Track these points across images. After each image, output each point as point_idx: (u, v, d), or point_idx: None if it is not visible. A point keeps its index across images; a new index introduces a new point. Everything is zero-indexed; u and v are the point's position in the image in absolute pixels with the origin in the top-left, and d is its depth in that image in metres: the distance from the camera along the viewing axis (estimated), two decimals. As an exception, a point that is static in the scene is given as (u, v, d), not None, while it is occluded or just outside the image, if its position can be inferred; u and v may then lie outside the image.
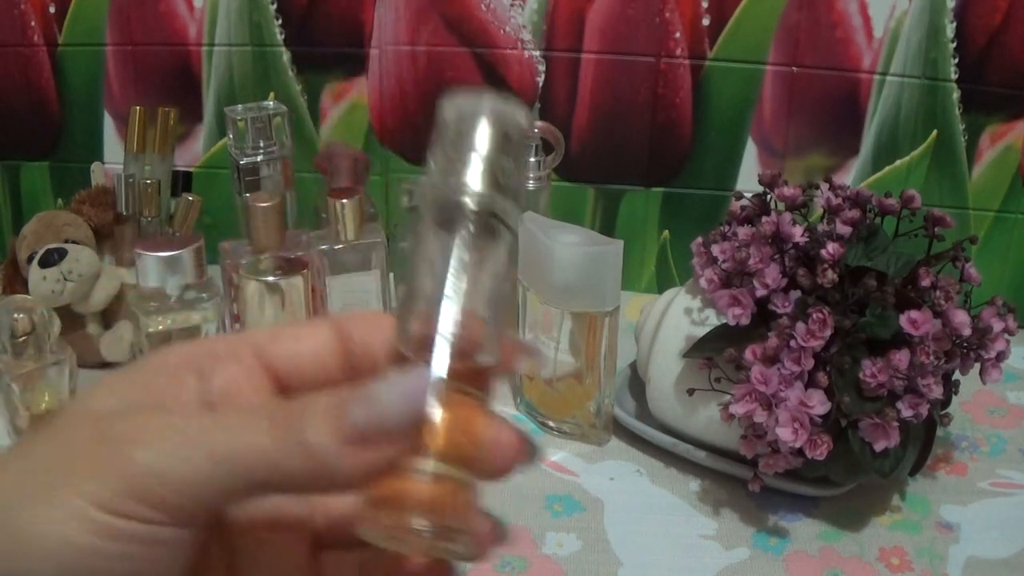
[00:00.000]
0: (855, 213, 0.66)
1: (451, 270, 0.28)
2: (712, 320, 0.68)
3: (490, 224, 0.28)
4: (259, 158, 0.82)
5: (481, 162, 0.29)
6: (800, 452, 0.60)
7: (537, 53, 0.91)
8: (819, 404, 0.59)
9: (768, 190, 0.70)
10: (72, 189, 0.87)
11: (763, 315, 0.63)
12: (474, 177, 0.28)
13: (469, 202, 0.28)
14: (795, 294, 0.63)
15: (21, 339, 0.68)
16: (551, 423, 0.75)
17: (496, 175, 0.29)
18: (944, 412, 0.67)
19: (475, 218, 0.28)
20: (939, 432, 0.68)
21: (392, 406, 0.26)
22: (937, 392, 0.60)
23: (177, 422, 0.26)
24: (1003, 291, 0.89)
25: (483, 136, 0.29)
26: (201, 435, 0.26)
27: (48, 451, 0.26)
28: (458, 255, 0.28)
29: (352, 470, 0.25)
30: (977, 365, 0.66)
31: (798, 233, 0.64)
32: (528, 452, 0.28)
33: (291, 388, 0.30)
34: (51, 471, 0.25)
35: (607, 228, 0.96)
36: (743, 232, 0.66)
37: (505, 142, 0.29)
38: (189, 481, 0.25)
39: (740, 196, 0.72)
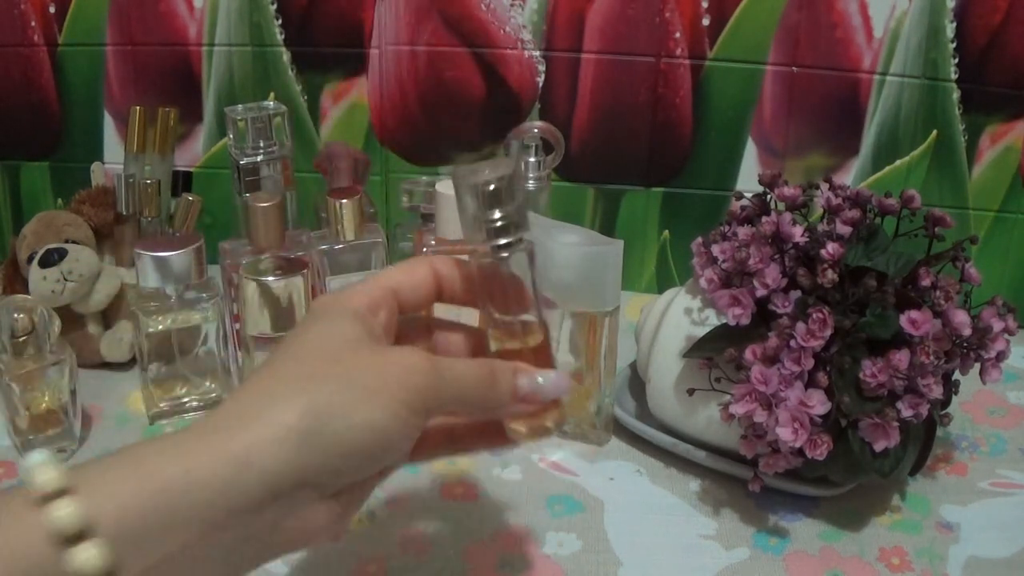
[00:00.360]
0: (855, 213, 0.66)
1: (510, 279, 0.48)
2: (712, 320, 0.68)
3: (516, 245, 0.47)
4: (259, 158, 0.82)
5: (499, 217, 0.46)
6: (800, 452, 0.60)
7: (537, 53, 0.91)
8: (819, 404, 0.59)
9: (768, 190, 0.70)
10: (72, 189, 0.87)
11: (763, 315, 0.63)
12: (498, 229, 0.47)
13: (502, 244, 0.47)
14: (795, 294, 0.63)
15: (21, 339, 0.68)
16: (551, 423, 0.75)
17: (510, 219, 0.46)
18: (944, 412, 0.67)
19: (508, 252, 0.47)
20: (939, 432, 0.68)
21: (546, 389, 0.48)
22: (937, 392, 0.60)
23: (436, 360, 0.44)
24: (1003, 291, 0.89)
25: (490, 197, 0.46)
26: (453, 372, 0.45)
27: (362, 373, 0.42)
28: (511, 271, 0.48)
29: (511, 411, 0.48)
30: (977, 365, 0.66)
31: (798, 233, 0.64)
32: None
33: (405, 309, 0.48)
34: (364, 392, 0.42)
35: (607, 228, 0.96)
36: (743, 232, 0.66)
37: (506, 192, 0.46)
38: (442, 398, 0.44)
39: (740, 196, 0.72)
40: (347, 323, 0.44)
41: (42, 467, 0.37)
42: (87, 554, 0.36)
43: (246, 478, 0.39)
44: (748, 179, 0.91)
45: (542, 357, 0.49)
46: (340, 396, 0.41)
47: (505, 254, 0.47)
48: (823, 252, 0.62)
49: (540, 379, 0.47)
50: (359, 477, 0.43)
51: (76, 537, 0.36)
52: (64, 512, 0.36)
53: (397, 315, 0.47)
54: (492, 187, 0.46)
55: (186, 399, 0.77)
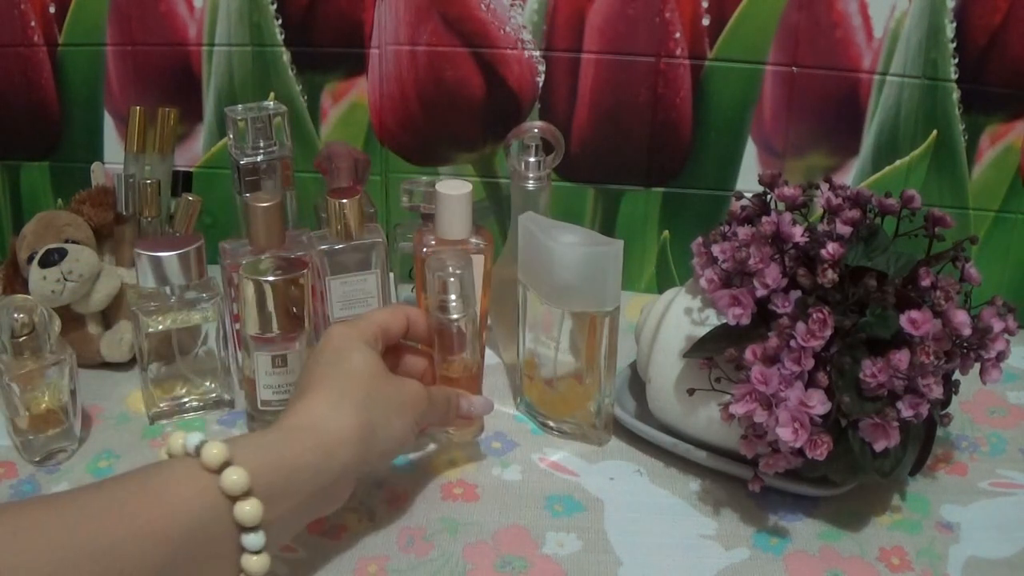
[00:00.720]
0: (855, 213, 0.66)
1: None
2: (712, 320, 0.68)
3: (462, 317, 0.68)
4: (259, 158, 0.82)
5: (452, 299, 0.68)
6: (800, 452, 0.60)
7: (537, 53, 0.91)
8: (819, 404, 0.59)
9: (768, 190, 0.70)
10: (72, 189, 0.87)
11: (763, 315, 0.63)
12: (451, 308, 0.68)
13: (458, 318, 0.68)
14: (795, 294, 0.63)
15: (21, 339, 0.68)
16: (551, 423, 0.75)
17: (460, 300, 0.68)
18: (944, 412, 0.67)
19: (456, 322, 0.68)
20: (939, 432, 0.68)
21: (480, 408, 0.70)
22: (937, 392, 0.60)
23: (428, 389, 0.65)
24: (1003, 291, 0.89)
25: (449, 286, 0.68)
26: (434, 397, 0.65)
27: (393, 396, 0.62)
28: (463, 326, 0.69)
29: (456, 422, 0.70)
30: (977, 365, 0.66)
31: (798, 233, 0.64)
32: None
33: (386, 343, 0.66)
34: (395, 410, 0.62)
35: (607, 228, 0.96)
36: (743, 232, 0.66)
37: (459, 282, 0.67)
38: (429, 414, 0.65)
39: (740, 196, 0.72)
40: (371, 355, 0.62)
41: (209, 444, 0.52)
42: (251, 506, 0.51)
43: (329, 465, 0.56)
44: (748, 179, 0.91)
45: (474, 384, 0.71)
46: (383, 413, 0.60)
47: (456, 323, 0.68)
48: (823, 252, 0.62)
49: (474, 402, 0.69)
50: (379, 468, 0.69)
51: (242, 495, 0.51)
52: (236, 477, 0.51)
53: (384, 347, 0.66)
54: (451, 279, 0.67)
55: (186, 399, 0.77)
